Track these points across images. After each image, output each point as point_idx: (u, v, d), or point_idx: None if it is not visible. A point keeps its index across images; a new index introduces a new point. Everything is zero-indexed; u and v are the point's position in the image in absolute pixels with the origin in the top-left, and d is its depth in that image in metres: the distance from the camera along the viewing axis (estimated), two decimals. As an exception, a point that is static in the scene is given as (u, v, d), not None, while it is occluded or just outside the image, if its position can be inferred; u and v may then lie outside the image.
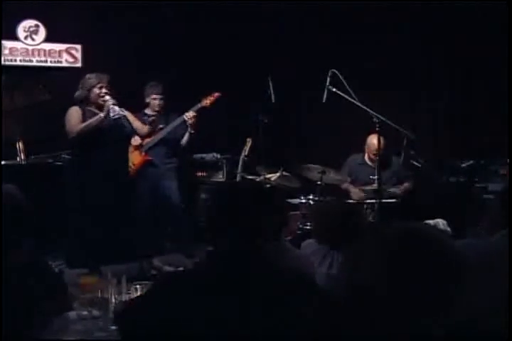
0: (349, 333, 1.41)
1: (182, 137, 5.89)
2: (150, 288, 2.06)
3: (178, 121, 5.85)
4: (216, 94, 5.95)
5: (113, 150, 5.25)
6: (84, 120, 5.14)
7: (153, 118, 5.73)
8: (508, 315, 2.14)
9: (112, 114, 5.07)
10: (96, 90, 5.14)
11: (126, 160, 5.76)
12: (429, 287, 1.38)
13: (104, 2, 6.50)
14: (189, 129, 5.83)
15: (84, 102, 5.21)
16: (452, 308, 1.40)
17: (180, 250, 6.07)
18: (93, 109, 5.20)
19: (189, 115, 5.79)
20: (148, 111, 5.91)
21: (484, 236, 2.64)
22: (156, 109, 5.89)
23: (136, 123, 5.60)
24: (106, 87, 5.15)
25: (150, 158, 5.87)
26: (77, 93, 5.23)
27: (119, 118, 5.13)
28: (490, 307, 2.16)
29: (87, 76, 5.22)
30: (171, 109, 5.98)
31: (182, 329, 1.67)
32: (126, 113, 5.38)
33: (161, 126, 5.87)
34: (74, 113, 5.17)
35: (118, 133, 5.28)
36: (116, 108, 5.09)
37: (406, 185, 5.97)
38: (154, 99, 5.89)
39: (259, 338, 1.67)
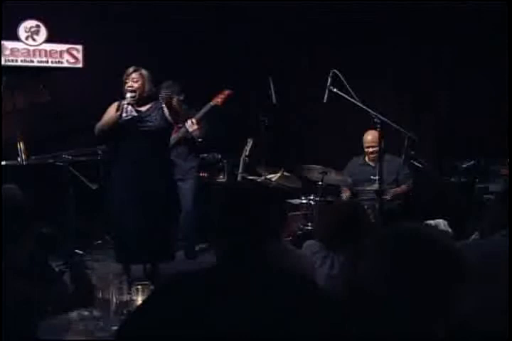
0: (349, 333, 1.42)
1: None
2: (152, 291, 2.06)
3: (184, 129, 5.79)
4: (227, 92, 5.87)
5: (141, 148, 4.88)
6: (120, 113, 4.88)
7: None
8: (508, 315, 2.14)
9: (124, 114, 4.81)
10: (124, 86, 4.89)
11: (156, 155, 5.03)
12: (430, 287, 1.38)
13: (104, 2, 6.51)
14: (196, 140, 5.77)
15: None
16: (452, 308, 1.40)
17: (183, 250, 6.07)
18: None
19: (189, 124, 5.72)
20: None
21: (484, 237, 2.64)
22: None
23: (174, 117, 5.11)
24: (133, 82, 4.84)
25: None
26: None
27: (131, 118, 4.80)
28: (490, 307, 2.16)
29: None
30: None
31: (182, 330, 1.67)
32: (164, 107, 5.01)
33: (179, 125, 5.65)
34: (109, 108, 4.93)
35: (142, 129, 4.86)
36: (129, 108, 4.82)
37: (397, 189, 5.97)
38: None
39: (259, 338, 1.67)
